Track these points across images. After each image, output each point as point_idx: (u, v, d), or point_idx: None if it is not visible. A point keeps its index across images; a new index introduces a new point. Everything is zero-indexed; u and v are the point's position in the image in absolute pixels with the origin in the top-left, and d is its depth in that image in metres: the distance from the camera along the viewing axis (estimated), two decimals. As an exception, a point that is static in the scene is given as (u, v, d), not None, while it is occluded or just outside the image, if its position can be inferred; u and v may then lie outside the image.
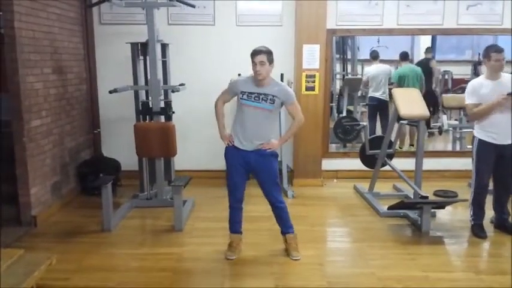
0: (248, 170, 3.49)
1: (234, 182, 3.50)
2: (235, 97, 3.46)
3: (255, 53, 3.27)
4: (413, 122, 4.59)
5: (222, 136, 3.53)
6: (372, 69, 7.03)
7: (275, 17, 5.48)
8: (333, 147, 6.20)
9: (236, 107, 3.46)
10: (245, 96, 3.33)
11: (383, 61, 7.18)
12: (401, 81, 6.52)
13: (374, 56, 7.03)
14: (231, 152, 3.47)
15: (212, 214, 4.49)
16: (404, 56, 6.86)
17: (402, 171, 4.65)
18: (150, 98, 4.67)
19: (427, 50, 7.43)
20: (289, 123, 3.82)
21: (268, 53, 3.28)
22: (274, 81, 3.38)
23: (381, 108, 6.86)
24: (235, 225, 3.62)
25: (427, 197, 4.10)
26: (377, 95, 6.88)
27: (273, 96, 3.32)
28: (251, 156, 3.41)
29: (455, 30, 5.59)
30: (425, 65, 7.05)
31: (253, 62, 3.26)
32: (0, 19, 4.01)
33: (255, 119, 3.35)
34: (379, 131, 6.69)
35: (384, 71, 6.90)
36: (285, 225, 3.59)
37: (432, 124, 6.73)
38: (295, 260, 3.48)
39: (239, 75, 4.94)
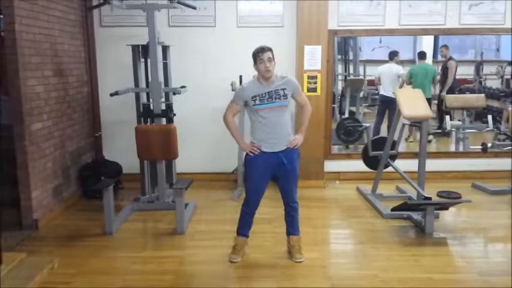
0: (274, 173, 3.43)
1: (257, 190, 3.45)
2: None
3: (261, 51, 3.26)
4: (416, 123, 4.56)
5: (244, 147, 3.48)
6: (383, 68, 7.15)
7: (276, 18, 5.46)
8: (335, 148, 6.17)
9: (249, 116, 3.45)
10: (258, 101, 3.29)
11: (384, 61, 7.26)
12: (412, 78, 7.04)
13: (391, 57, 7.13)
14: (255, 158, 3.40)
15: (214, 217, 4.48)
16: (421, 55, 7.25)
17: (405, 172, 4.62)
18: (151, 100, 4.66)
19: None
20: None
21: (272, 50, 3.30)
22: (277, 75, 3.37)
23: (389, 106, 6.89)
24: (244, 228, 3.57)
25: (430, 198, 4.07)
26: (385, 93, 7.00)
27: (283, 89, 3.31)
28: (281, 156, 3.37)
29: (457, 30, 5.57)
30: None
31: (259, 59, 3.25)
32: (0, 22, 4.01)
33: (276, 119, 3.33)
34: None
35: (393, 71, 7.03)
36: (294, 226, 3.57)
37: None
38: (299, 262, 3.46)
39: (240, 77, 4.94)
